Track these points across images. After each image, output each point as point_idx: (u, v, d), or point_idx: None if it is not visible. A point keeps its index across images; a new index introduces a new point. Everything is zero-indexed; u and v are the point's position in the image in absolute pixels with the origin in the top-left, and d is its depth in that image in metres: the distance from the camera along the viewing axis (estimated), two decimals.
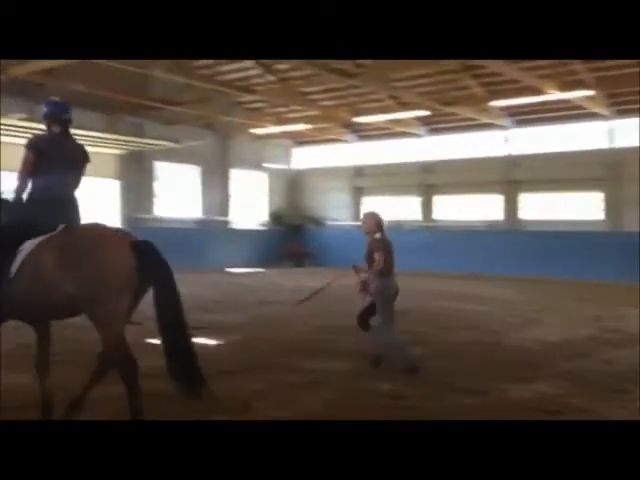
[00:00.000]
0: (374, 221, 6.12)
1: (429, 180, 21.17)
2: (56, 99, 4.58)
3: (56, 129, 4.37)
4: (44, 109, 4.41)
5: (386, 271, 5.87)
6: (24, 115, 13.09)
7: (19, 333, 5.08)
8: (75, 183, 4.34)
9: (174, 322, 3.92)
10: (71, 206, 4.25)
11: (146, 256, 3.84)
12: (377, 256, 5.86)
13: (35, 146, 4.22)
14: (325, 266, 20.13)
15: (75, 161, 4.34)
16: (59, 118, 4.37)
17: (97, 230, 4.02)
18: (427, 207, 21.38)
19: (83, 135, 15.00)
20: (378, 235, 6.02)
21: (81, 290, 3.71)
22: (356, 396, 5.19)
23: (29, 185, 4.20)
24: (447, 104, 16.56)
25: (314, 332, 8.50)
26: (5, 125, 13.42)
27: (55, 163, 4.16)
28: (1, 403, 4.32)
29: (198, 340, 7.44)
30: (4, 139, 14.90)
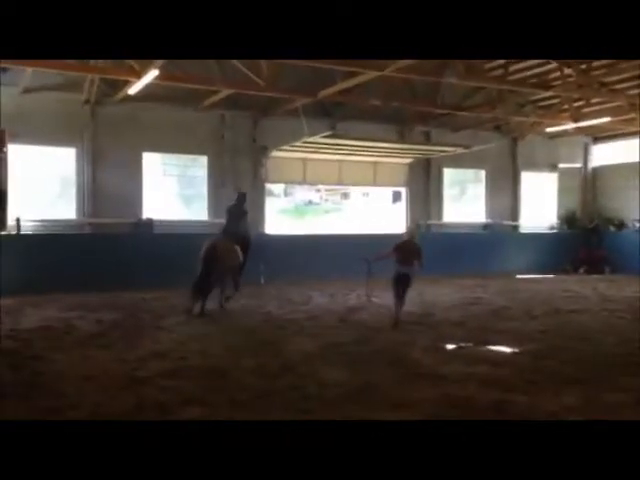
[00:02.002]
0: (406, 231, 10.34)
1: None
2: (238, 192, 11.72)
3: (235, 201, 11.50)
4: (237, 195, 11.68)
5: (397, 261, 9.18)
6: (328, 132, 14.62)
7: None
8: (237, 223, 11.04)
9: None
10: (235, 232, 10.74)
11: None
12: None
13: (226, 209, 11.60)
14: (626, 273, 17.96)
15: (237, 215, 11.23)
16: (237, 197, 11.56)
17: (214, 240, 10.30)
18: None
19: (377, 147, 16.20)
20: (399, 240, 9.52)
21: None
22: None
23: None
24: None
25: (625, 345, 7.70)
26: (313, 143, 15.22)
27: (231, 215, 11.29)
28: (308, 393, 5.15)
29: (494, 348, 7.44)
30: (313, 155, 16.97)
